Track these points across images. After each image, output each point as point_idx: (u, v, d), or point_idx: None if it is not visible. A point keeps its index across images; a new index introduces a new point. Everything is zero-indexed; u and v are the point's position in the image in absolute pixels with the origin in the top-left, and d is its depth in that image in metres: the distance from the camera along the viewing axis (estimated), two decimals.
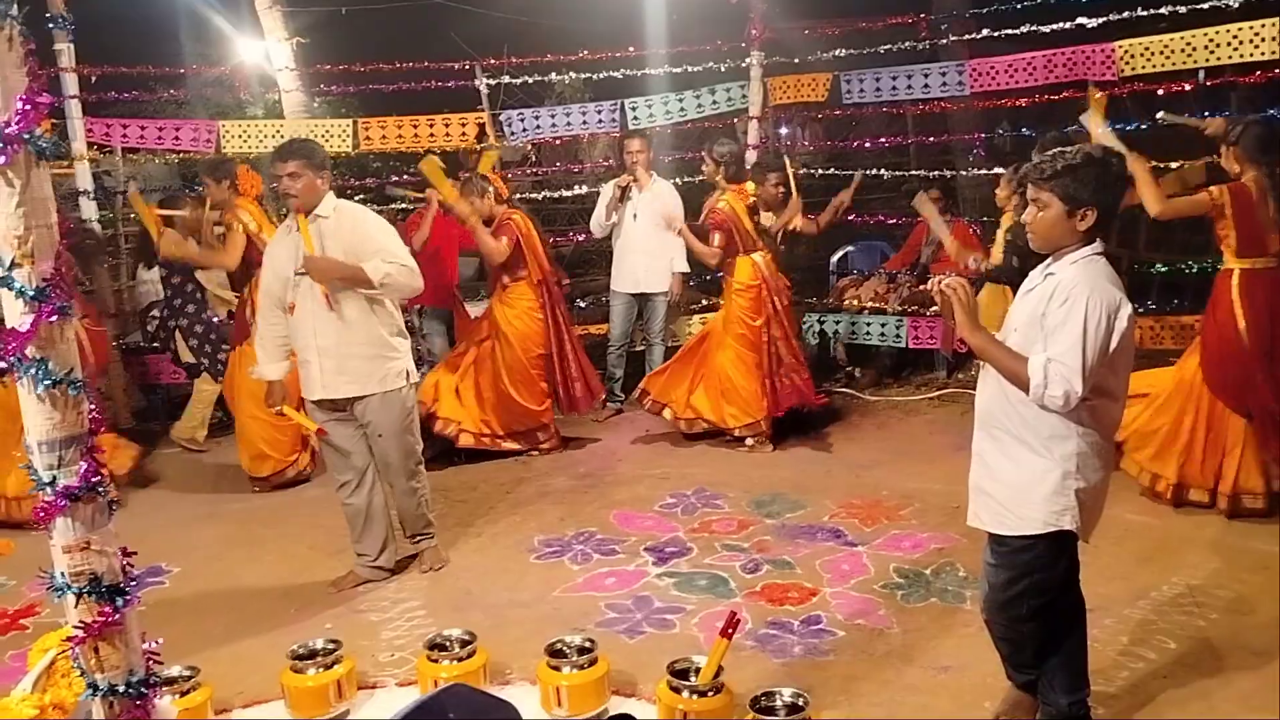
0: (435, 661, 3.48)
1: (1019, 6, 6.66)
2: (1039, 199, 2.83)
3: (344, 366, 4.30)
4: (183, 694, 3.32)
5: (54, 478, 2.28)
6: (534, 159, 9.81)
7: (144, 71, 7.74)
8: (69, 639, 2.37)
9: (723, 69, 7.49)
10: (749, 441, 6.14)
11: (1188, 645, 3.67)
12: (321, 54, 8.41)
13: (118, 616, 2.34)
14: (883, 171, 8.03)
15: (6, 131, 2.16)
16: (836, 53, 7.39)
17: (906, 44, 7.38)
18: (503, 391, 6.10)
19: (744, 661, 3.64)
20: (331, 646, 3.54)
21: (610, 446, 6.44)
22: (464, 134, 7.27)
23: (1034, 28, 6.54)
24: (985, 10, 7.13)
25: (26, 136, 2.19)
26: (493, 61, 7.50)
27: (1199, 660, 3.57)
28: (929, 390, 7.15)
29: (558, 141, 8.28)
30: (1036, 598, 2.93)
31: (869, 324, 7.32)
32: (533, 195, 8.22)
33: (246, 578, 4.72)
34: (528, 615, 4.17)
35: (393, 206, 7.79)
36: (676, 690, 3.18)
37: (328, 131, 7.40)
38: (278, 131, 7.36)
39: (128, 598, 2.36)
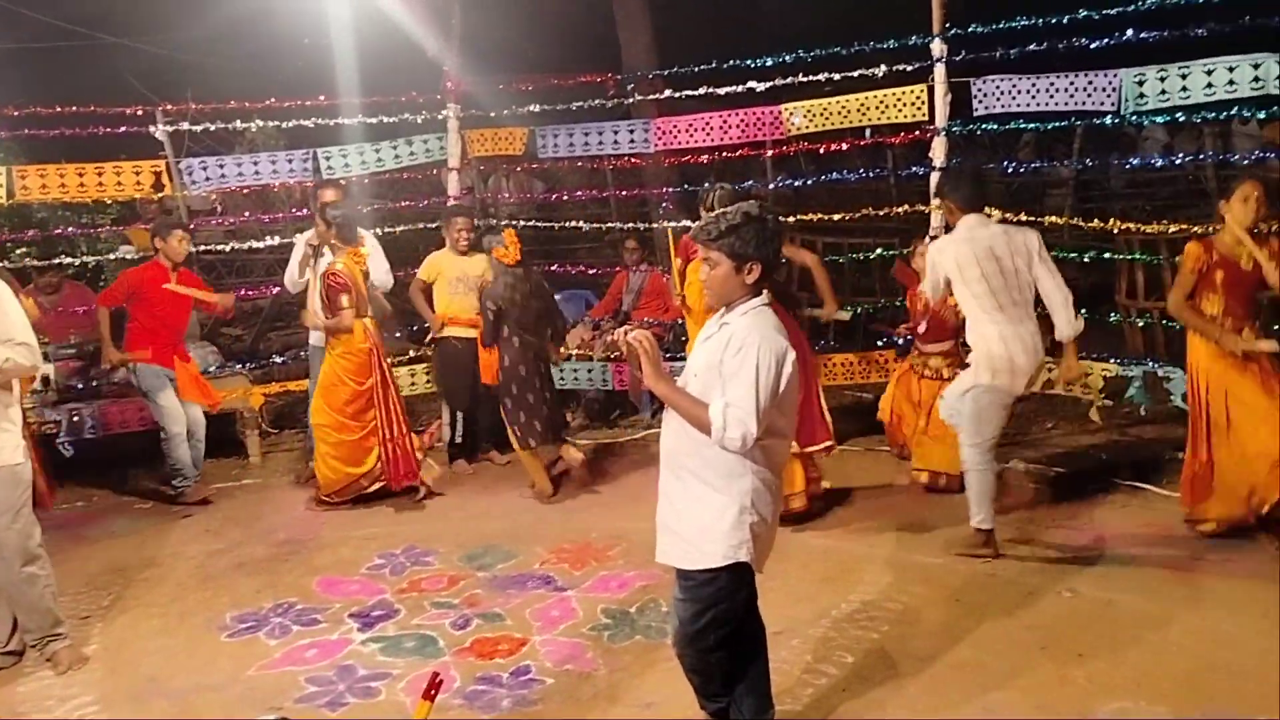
0: None
1: (697, 69, 7.10)
2: (710, 258, 3.02)
3: None
4: None
5: None
6: (220, 209, 9.26)
7: None
8: None
9: (420, 120, 7.46)
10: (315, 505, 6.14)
11: (863, 658, 3.99)
12: None
13: None
14: (581, 224, 8.28)
15: None
16: (532, 108, 7.57)
17: (596, 101, 7.67)
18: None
19: None
20: None
21: (313, 508, 6.15)
22: (139, 183, 6.76)
23: (711, 89, 7.01)
24: (667, 72, 7.55)
25: None
26: (171, 106, 7.03)
27: (873, 671, 3.88)
28: (634, 431, 7.39)
29: (245, 191, 7.88)
30: (722, 628, 3.09)
31: (576, 370, 7.48)
32: (221, 247, 7.75)
33: None
34: (218, 699, 3.89)
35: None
36: None
37: None
38: None
39: None
